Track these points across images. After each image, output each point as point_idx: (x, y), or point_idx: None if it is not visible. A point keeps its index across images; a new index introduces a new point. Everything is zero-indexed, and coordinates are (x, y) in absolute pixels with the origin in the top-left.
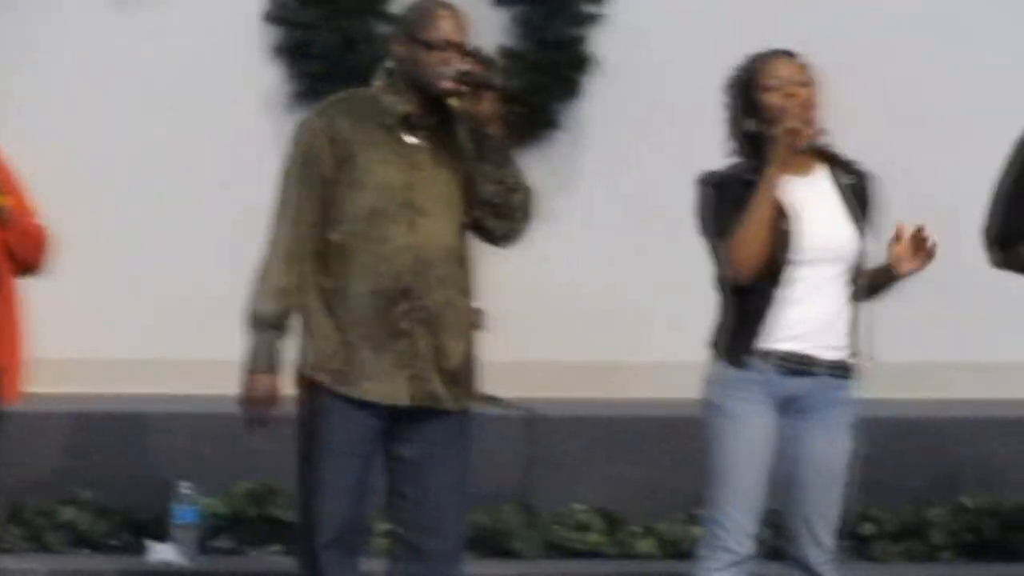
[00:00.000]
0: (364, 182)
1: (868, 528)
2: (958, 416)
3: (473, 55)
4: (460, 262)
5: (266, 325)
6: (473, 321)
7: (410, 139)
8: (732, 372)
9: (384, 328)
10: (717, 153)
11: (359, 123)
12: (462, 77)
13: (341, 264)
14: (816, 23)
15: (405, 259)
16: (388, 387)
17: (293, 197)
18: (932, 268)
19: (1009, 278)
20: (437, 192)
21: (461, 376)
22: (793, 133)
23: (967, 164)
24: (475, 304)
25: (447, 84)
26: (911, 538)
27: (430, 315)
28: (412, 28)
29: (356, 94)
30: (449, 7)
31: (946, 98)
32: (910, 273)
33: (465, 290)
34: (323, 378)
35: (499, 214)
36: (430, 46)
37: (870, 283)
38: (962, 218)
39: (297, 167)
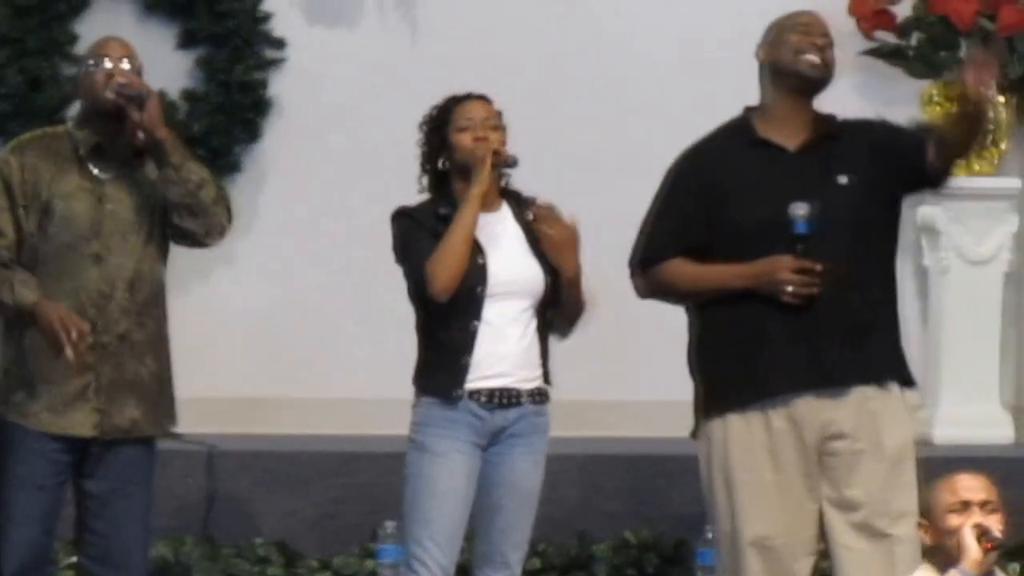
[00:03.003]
0: (52, 219)
1: (535, 562)
2: (616, 453)
3: (127, 69)
4: (151, 292)
5: None
6: (157, 350)
7: (100, 172)
8: (439, 411)
9: (67, 361)
10: (386, 194)
11: (49, 160)
12: (120, 89)
13: None
14: (479, 72)
15: (90, 293)
16: (71, 420)
17: None
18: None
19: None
20: (128, 222)
21: (151, 407)
22: (497, 153)
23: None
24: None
25: (110, 96)
26: (576, 572)
27: (116, 347)
28: (85, 59)
29: (48, 132)
30: (114, 36)
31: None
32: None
33: (156, 319)
34: (5, 410)
35: (193, 213)
36: (95, 67)
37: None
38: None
39: None
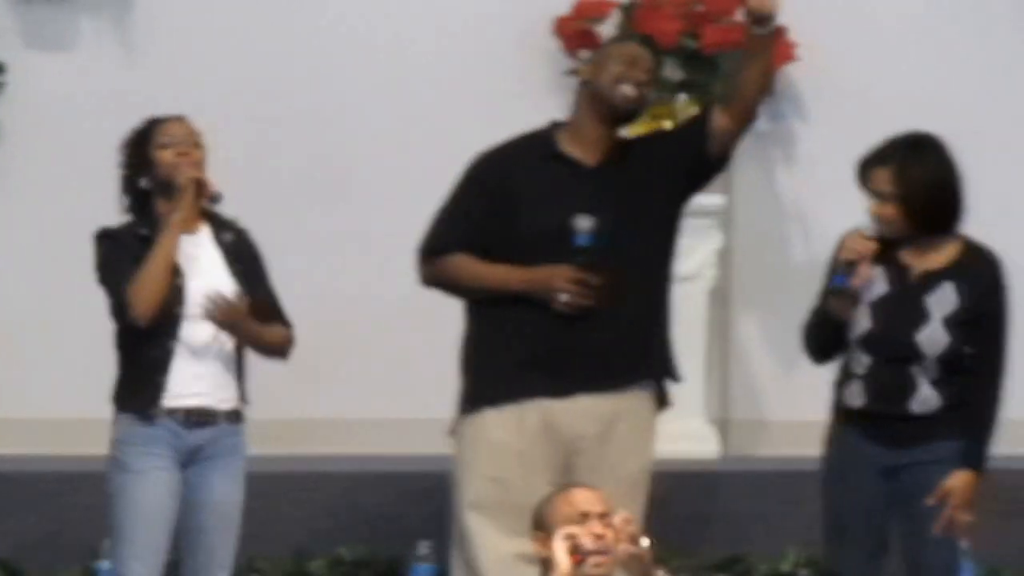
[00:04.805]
0: None
1: None
2: (332, 470)
3: None
4: None
5: None
6: None
7: None
8: (138, 428)
9: None
10: (108, 216)
11: None
12: None
13: None
14: (198, 94)
15: None
16: None
17: None
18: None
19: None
20: None
21: None
22: (200, 184)
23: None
24: None
25: None
26: None
27: None
28: None
29: None
30: None
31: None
32: None
33: None
34: None
35: None
36: None
37: None
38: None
39: None
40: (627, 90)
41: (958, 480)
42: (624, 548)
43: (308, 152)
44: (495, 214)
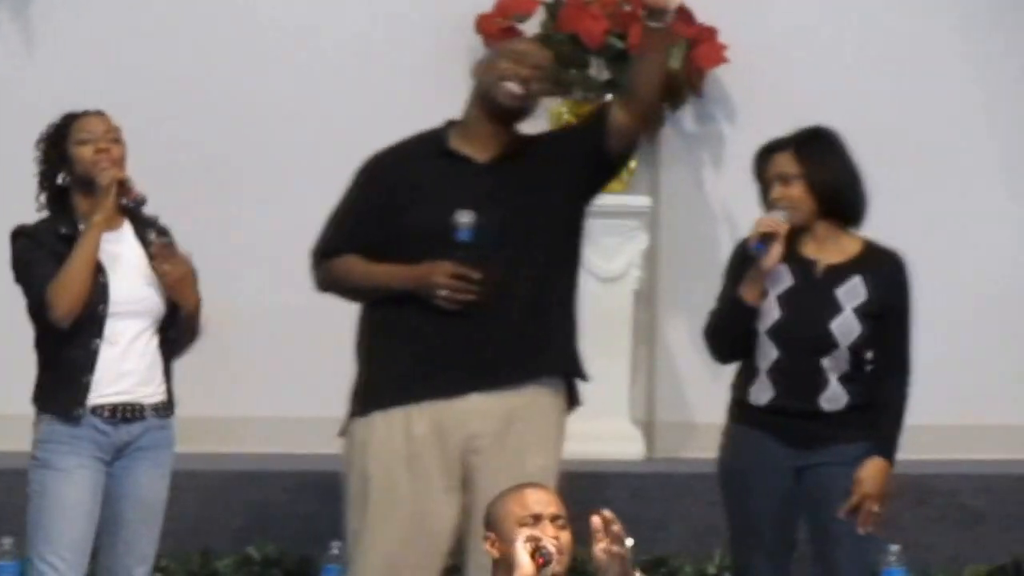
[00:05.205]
0: None
1: None
2: (241, 469)
3: None
4: None
5: None
6: None
7: None
8: (62, 428)
9: None
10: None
11: None
12: None
13: None
14: (100, 87)
15: None
16: None
17: None
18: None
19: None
20: None
21: None
22: (123, 186)
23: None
24: None
25: None
26: None
27: None
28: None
29: None
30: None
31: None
32: None
33: None
34: None
35: None
36: None
37: None
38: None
39: None
40: (511, 87)
41: (870, 469)
42: (605, 547)
43: (221, 145)
44: (385, 214)
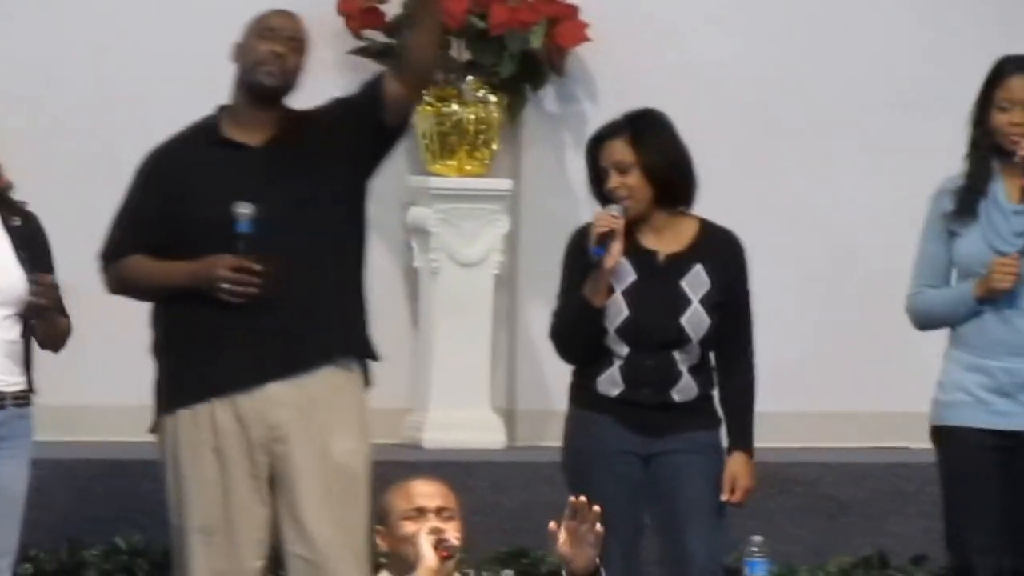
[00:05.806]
0: None
1: (27, 568)
2: (105, 458)
3: None
4: None
5: None
6: None
7: None
8: None
9: None
10: None
11: None
12: None
13: None
14: None
15: None
16: None
17: None
18: None
19: None
20: None
21: None
22: None
23: None
24: None
25: None
26: None
27: None
28: None
29: None
30: None
31: None
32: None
33: None
34: None
35: None
36: None
37: None
38: None
39: None
40: (266, 70)
41: (739, 464)
42: (582, 532)
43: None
44: (165, 210)
